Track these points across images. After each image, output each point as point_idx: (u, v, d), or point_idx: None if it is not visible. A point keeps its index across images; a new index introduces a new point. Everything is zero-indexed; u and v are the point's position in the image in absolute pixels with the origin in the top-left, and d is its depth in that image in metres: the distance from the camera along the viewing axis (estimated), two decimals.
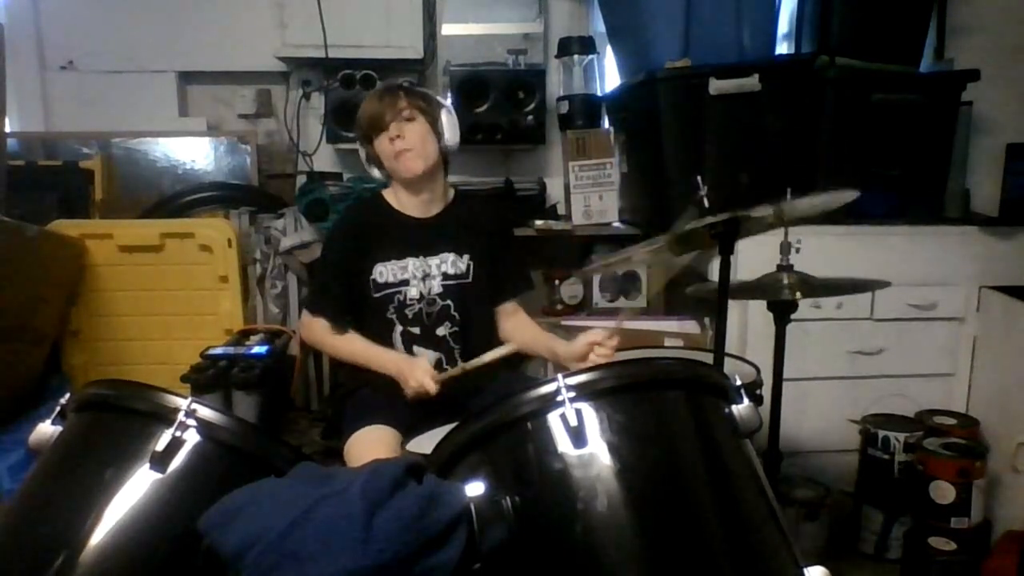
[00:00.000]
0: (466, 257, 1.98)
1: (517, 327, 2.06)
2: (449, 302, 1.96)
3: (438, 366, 1.94)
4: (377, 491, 0.97)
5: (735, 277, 1.90)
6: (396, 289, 1.94)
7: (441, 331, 1.96)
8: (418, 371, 1.78)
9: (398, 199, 2.01)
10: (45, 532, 1.08)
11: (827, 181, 2.51)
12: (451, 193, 2.06)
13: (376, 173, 2.02)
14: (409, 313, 1.95)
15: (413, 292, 1.94)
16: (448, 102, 2.03)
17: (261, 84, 3.33)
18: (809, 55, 2.60)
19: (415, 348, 1.96)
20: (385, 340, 1.96)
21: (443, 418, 1.67)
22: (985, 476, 2.28)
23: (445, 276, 1.96)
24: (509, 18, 3.16)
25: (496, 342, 2.08)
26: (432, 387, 1.76)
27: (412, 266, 1.95)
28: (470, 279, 1.98)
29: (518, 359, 2.35)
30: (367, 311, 1.97)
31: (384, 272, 1.94)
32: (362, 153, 2.01)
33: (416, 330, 1.95)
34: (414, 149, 1.89)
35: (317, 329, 1.99)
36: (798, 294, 1.90)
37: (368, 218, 2.02)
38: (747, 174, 2.48)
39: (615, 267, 2.80)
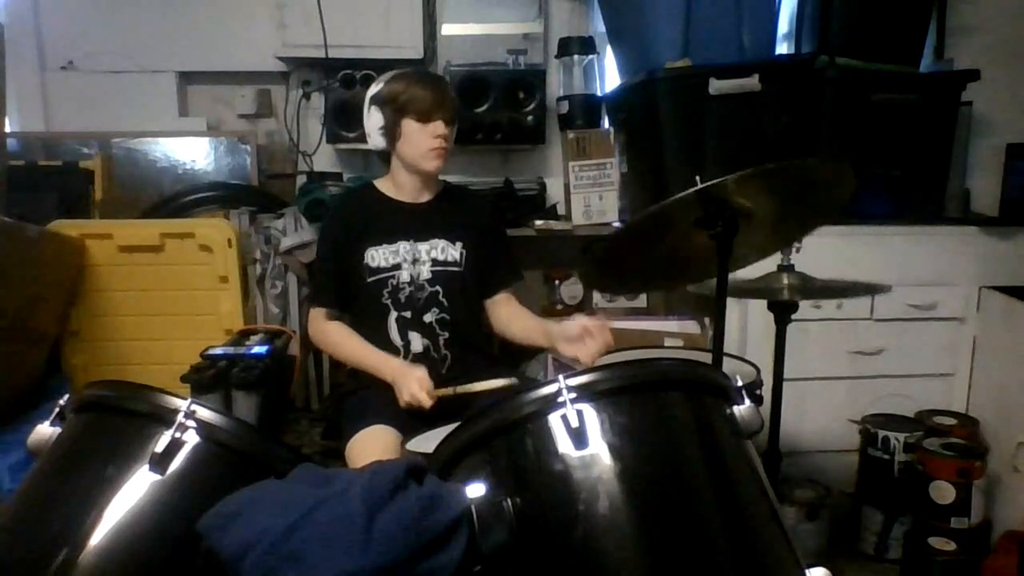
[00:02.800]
0: (459, 245, 2.00)
1: (513, 316, 2.08)
2: (437, 288, 1.98)
3: (426, 353, 1.96)
4: (378, 493, 0.97)
5: (735, 276, 1.91)
6: (389, 274, 1.97)
7: (428, 317, 1.98)
8: (414, 384, 1.78)
9: (393, 185, 2.04)
10: (44, 534, 1.08)
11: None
12: (441, 183, 2.09)
13: (379, 143, 1.99)
14: (402, 297, 1.97)
15: (404, 276, 1.97)
16: None
17: (261, 84, 3.33)
18: (809, 55, 2.60)
19: (410, 334, 1.98)
20: (381, 327, 1.98)
21: (443, 418, 1.67)
22: (985, 476, 2.28)
23: (435, 262, 1.98)
24: (509, 18, 3.15)
25: (483, 333, 2.09)
26: (426, 401, 1.76)
27: (403, 250, 1.97)
28: (462, 267, 2.00)
29: (517, 359, 2.36)
30: (363, 298, 2.00)
31: (376, 256, 1.97)
32: (377, 120, 1.96)
33: (408, 314, 1.98)
34: (447, 150, 1.94)
35: (318, 325, 2.04)
36: (797, 296, 1.90)
37: (358, 205, 2.06)
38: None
39: None
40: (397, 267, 1.97)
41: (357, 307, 2.03)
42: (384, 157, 2.04)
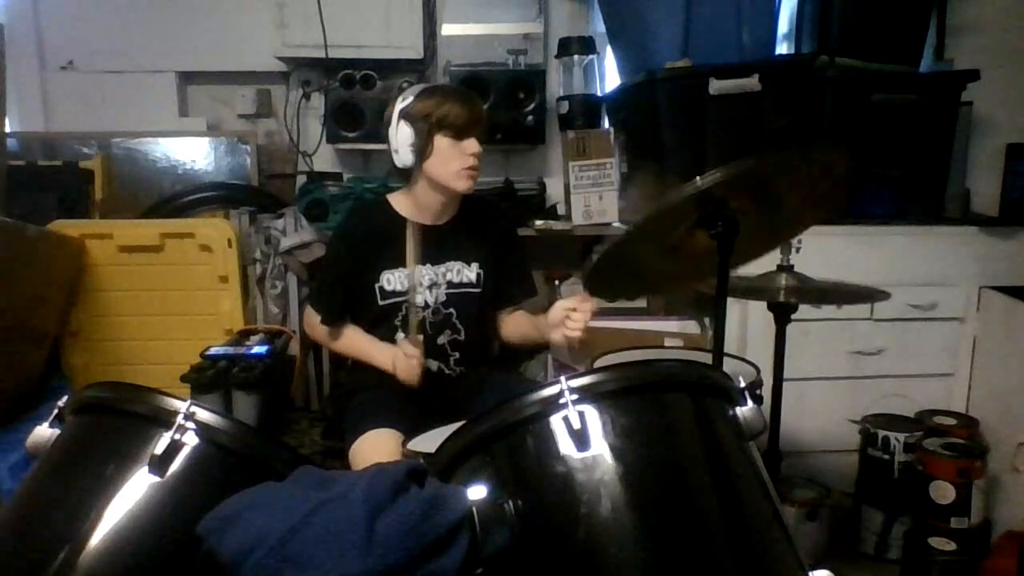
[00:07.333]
0: (475, 266, 1.97)
1: (511, 322, 2.08)
2: (452, 310, 1.95)
3: (439, 374, 1.95)
4: (378, 495, 0.97)
5: (735, 276, 1.90)
6: (403, 298, 1.92)
7: (441, 340, 1.96)
8: (401, 359, 1.84)
9: (412, 204, 1.96)
10: (42, 536, 1.07)
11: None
12: (459, 200, 2.01)
13: (408, 159, 1.87)
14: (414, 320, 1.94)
15: (419, 300, 1.92)
16: None
17: (261, 84, 3.33)
18: (809, 55, 2.60)
19: None
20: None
21: (444, 419, 1.67)
22: (985, 476, 2.28)
23: (450, 284, 1.95)
24: (509, 18, 3.16)
25: (493, 349, 2.10)
26: (417, 368, 1.82)
27: (419, 273, 1.92)
28: (479, 288, 1.97)
29: (517, 360, 2.36)
30: (372, 318, 1.96)
31: (392, 280, 1.93)
32: (407, 136, 1.84)
33: (419, 338, 1.95)
34: (479, 171, 1.88)
35: (317, 325, 2.02)
36: (796, 299, 1.90)
37: (374, 225, 1.98)
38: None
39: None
40: (412, 290, 1.93)
41: (365, 326, 1.99)
42: (404, 174, 1.94)
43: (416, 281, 1.91)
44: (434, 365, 1.95)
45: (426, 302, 1.93)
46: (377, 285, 1.93)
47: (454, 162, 1.84)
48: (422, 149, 1.85)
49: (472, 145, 1.84)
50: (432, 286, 1.94)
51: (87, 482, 1.11)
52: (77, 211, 3.01)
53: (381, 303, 1.93)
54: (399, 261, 1.92)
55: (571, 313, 1.75)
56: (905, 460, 2.34)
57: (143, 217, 3.05)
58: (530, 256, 2.16)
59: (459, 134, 1.83)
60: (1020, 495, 2.32)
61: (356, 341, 1.99)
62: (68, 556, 1.04)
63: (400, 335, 1.94)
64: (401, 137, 1.86)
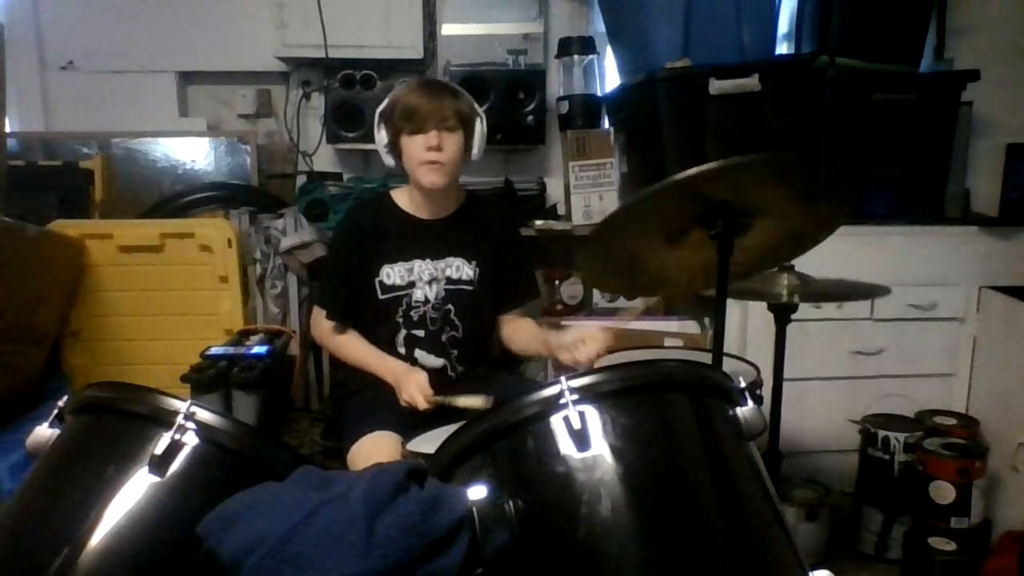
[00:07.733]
0: (475, 263, 1.96)
1: (516, 329, 2.07)
2: (450, 307, 1.95)
3: (443, 372, 1.94)
4: (378, 496, 0.97)
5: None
6: (403, 292, 1.92)
7: (443, 336, 1.96)
8: (412, 386, 1.78)
9: (410, 199, 1.97)
10: (42, 536, 1.07)
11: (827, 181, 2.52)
12: (462, 195, 2.02)
13: (389, 161, 1.93)
14: (415, 316, 1.94)
15: (419, 295, 1.93)
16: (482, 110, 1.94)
17: (261, 84, 3.33)
18: (809, 55, 2.60)
19: (417, 352, 1.95)
20: (389, 343, 1.95)
21: (445, 420, 1.67)
22: (985, 476, 2.28)
23: (449, 280, 1.95)
24: (509, 18, 3.16)
25: (492, 349, 2.09)
26: (422, 404, 1.75)
27: (418, 268, 1.93)
28: (476, 286, 1.96)
29: (517, 360, 2.36)
30: (373, 313, 1.96)
31: (391, 274, 1.93)
32: (382, 137, 1.89)
33: (420, 333, 1.95)
34: (446, 165, 1.83)
35: (324, 327, 2.01)
36: (796, 297, 1.90)
37: (375, 220, 1.99)
38: None
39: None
40: (412, 285, 1.93)
41: (366, 321, 1.98)
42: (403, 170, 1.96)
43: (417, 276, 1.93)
44: (439, 362, 1.95)
45: (426, 297, 1.93)
46: (377, 279, 1.93)
47: (415, 157, 1.83)
48: (393, 149, 1.88)
49: (430, 138, 1.80)
50: (432, 281, 1.94)
51: (87, 482, 1.11)
52: (77, 211, 3.00)
53: (381, 297, 1.93)
54: (399, 256, 1.93)
55: (585, 340, 1.74)
56: (905, 460, 2.34)
57: (143, 217, 3.05)
58: (530, 256, 2.16)
59: (418, 128, 1.81)
60: (1020, 495, 2.32)
61: (363, 351, 1.96)
62: (68, 556, 1.04)
63: (403, 333, 1.94)
64: (380, 139, 1.90)
